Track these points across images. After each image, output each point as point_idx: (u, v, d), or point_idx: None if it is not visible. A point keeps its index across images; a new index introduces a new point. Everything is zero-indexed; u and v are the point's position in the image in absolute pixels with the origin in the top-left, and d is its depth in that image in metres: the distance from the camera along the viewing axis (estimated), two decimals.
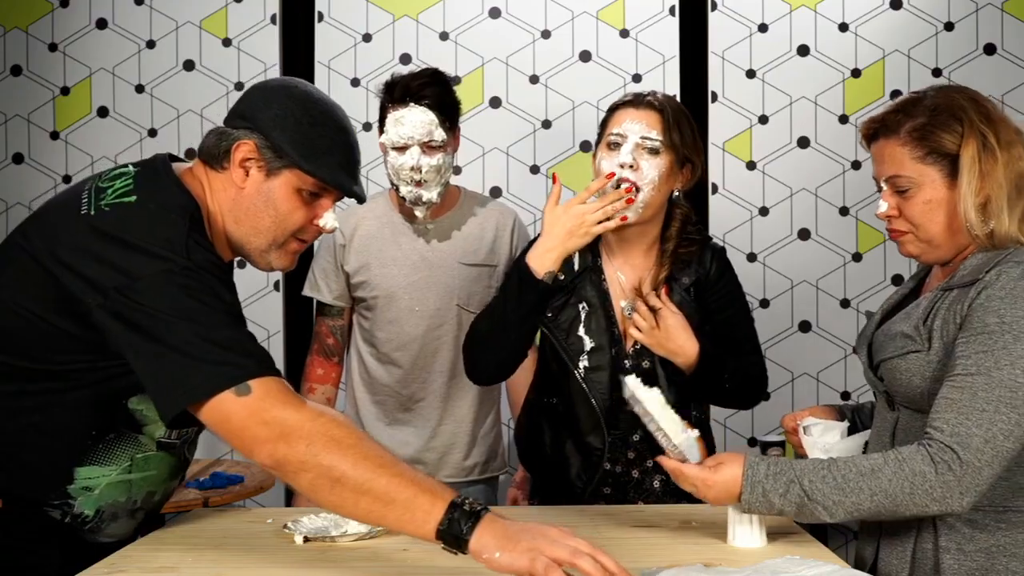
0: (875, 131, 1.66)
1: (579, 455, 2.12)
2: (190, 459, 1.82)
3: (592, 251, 2.17)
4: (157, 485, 1.74)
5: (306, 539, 1.70)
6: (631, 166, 2.03)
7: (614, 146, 2.06)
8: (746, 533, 1.68)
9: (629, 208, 2.04)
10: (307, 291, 2.63)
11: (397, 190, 2.47)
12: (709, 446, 2.23)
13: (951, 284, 1.61)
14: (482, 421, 2.59)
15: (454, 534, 1.38)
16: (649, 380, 2.05)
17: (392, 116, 2.39)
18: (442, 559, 1.58)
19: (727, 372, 2.06)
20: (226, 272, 1.66)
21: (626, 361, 2.12)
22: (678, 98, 3.66)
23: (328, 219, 1.67)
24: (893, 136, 1.62)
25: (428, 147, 2.38)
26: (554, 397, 2.17)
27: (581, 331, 2.10)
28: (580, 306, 2.10)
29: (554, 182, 2.10)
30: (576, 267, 2.14)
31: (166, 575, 1.53)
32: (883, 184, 1.66)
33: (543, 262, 2.01)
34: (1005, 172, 1.57)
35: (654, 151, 2.04)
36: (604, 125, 2.14)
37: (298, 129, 1.60)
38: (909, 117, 1.61)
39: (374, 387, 2.58)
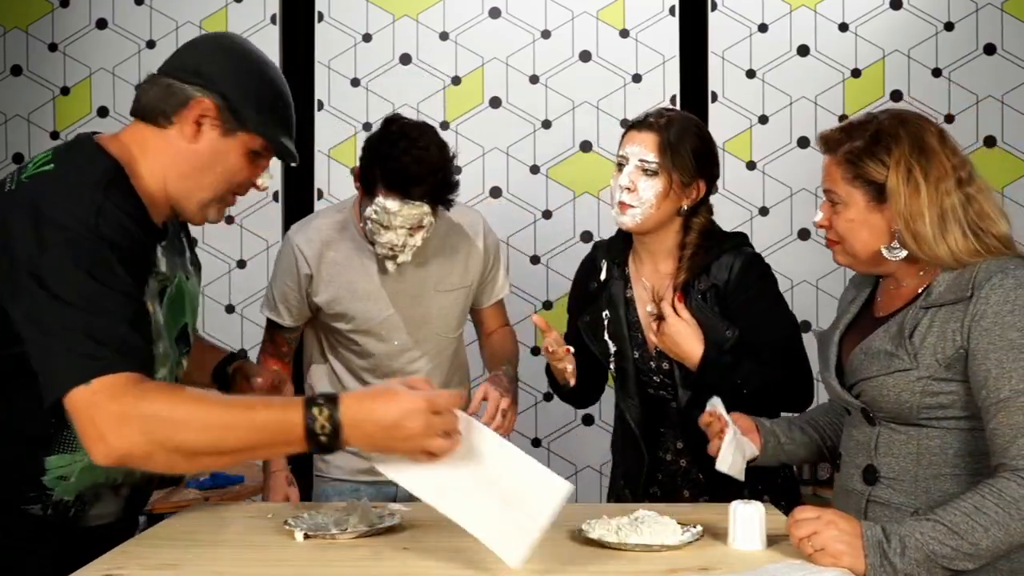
0: (822, 146, 1.77)
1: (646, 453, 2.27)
2: None
3: (618, 262, 2.28)
4: None
5: (306, 536, 1.70)
6: (629, 188, 2.13)
7: (619, 167, 2.17)
8: (747, 536, 1.66)
9: (627, 215, 2.15)
10: (265, 312, 2.50)
11: (369, 238, 2.33)
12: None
13: (931, 303, 1.66)
14: None
15: (321, 432, 1.45)
16: (668, 379, 2.20)
17: (384, 203, 2.21)
18: (442, 557, 1.58)
19: (739, 378, 2.08)
20: (138, 242, 1.57)
21: (651, 363, 2.21)
22: (678, 98, 3.68)
23: (265, 179, 1.72)
24: (832, 154, 1.73)
25: (415, 228, 2.27)
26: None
27: (606, 336, 2.24)
28: (603, 313, 2.22)
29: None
30: (603, 276, 2.29)
31: (166, 572, 1.53)
32: (823, 195, 1.76)
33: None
34: (929, 204, 1.65)
35: (651, 172, 2.12)
36: (620, 144, 2.23)
37: (260, 97, 1.63)
38: (849, 139, 1.71)
39: None
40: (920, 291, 1.70)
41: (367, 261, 2.40)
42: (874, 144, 1.68)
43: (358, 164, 2.30)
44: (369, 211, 2.24)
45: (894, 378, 1.66)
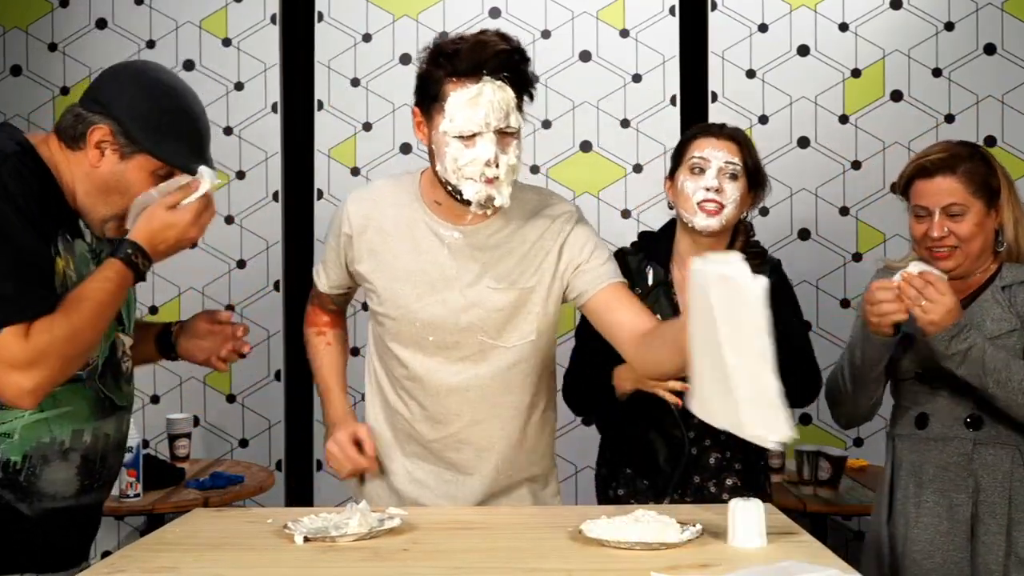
0: (932, 170, 2.11)
1: (665, 445, 2.31)
2: (116, 397, 1.80)
3: (664, 266, 2.35)
4: (82, 423, 1.74)
5: (306, 539, 1.70)
6: (717, 189, 2.24)
7: (698, 170, 2.27)
8: (747, 533, 1.68)
9: (716, 219, 2.25)
10: (314, 274, 2.25)
11: (454, 192, 1.93)
12: (704, 446, 2.31)
13: (1006, 283, 2.12)
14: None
15: (130, 256, 1.70)
16: None
17: (460, 96, 1.86)
18: (442, 559, 1.58)
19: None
20: (44, 197, 1.68)
21: None
22: (678, 98, 3.69)
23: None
24: (951, 173, 2.09)
25: (503, 135, 1.89)
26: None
27: None
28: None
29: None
30: (650, 282, 2.34)
31: (166, 575, 1.54)
32: (936, 211, 2.09)
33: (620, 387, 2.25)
34: (1020, 209, 2.16)
35: (734, 176, 2.26)
36: (683, 151, 2.33)
37: (149, 118, 1.73)
38: (960, 161, 2.10)
39: (394, 421, 2.14)
40: (986, 279, 2.15)
41: (419, 239, 2.04)
42: (982, 161, 2.12)
43: (414, 103, 1.99)
44: (445, 125, 1.88)
45: (1004, 338, 2.07)
